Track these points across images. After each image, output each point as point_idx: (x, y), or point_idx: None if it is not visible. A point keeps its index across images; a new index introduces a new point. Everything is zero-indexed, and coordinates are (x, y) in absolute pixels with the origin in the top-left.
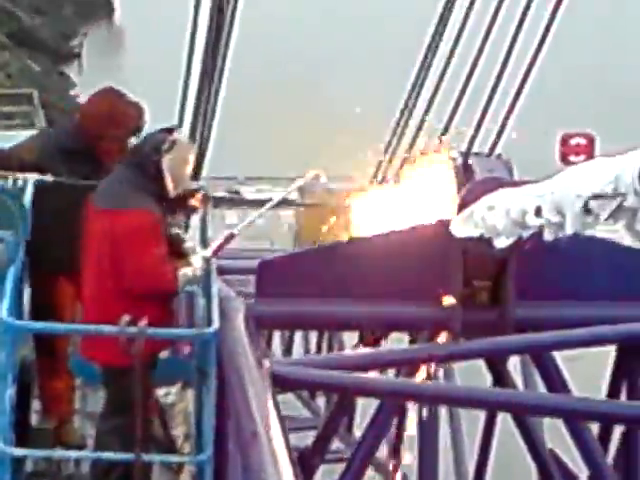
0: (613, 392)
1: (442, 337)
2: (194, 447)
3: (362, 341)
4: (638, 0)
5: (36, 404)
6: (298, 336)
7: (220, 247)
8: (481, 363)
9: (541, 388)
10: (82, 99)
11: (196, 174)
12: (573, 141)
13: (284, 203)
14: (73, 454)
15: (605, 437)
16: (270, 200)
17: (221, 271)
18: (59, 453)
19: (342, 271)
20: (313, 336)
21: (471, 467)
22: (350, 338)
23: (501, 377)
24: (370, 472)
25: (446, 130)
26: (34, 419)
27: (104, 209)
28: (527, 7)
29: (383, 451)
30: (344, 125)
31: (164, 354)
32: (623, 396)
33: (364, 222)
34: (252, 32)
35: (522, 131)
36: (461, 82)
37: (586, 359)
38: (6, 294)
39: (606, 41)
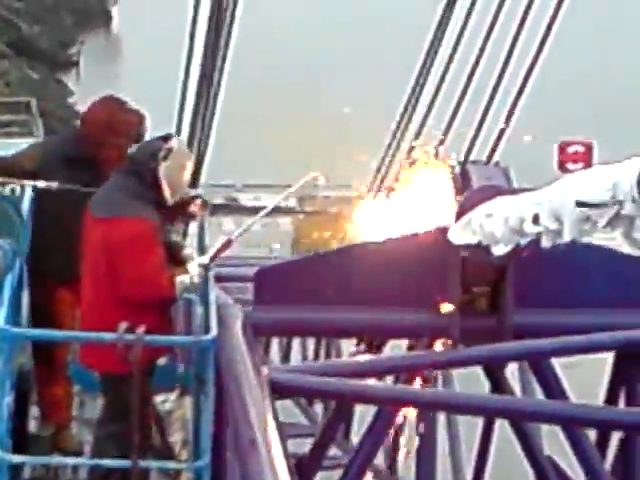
0: (611, 399)
1: (440, 344)
2: (192, 454)
3: (360, 348)
4: (637, 1)
5: (34, 411)
6: (296, 343)
7: (218, 253)
8: (479, 370)
9: (539, 395)
10: (80, 107)
11: (194, 181)
12: (571, 149)
13: (282, 211)
14: (71, 460)
15: (603, 444)
16: (269, 209)
17: (219, 278)
18: (57, 459)
19: (340, 278)
20: (311, 343)
21: (469, 474)
22: (348, 345)
23: (499, 384)
24: (368, 479)
25: (445, 135)
26: (32, 426)
27: (100, 217)
28: (524, 17)
29: (380, 458)
30: (343, 130)
31: (162, 361)
32: (621, 403)
33: (362, 229)
34: (251, 37)
35: (520, 138)
36: (460, 88)
37: (584, 366)
38: (4, 302)
39: (605, 42)
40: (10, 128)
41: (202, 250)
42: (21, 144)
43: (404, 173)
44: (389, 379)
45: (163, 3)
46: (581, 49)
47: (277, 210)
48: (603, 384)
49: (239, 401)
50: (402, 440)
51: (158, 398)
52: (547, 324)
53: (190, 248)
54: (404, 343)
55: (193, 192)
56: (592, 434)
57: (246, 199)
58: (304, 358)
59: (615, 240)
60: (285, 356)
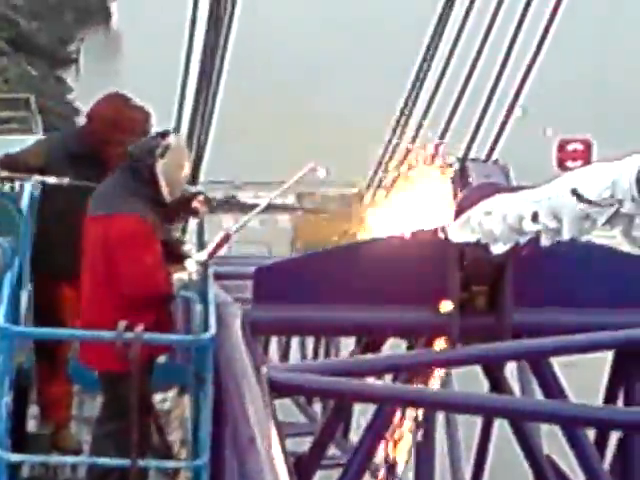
0: (610, 398)
1: (440, 343)
2: (191, 453)
3: (359, 347)
4: (636, 1)
5: (34, 409)
6: (295, 342)
7: (216, 248)
8: (478, 369)
9: (538, 394)
10: (79, 104)
11: (193, 178)
12: (570, 147)
13: (281, 208)
14: (69, 459)
15: (602, 443)
16: (268, 202)
17: (218, 277)
18: (55, 459)
19: (339, 277)
20: (310, 342)
21: (467, 473)
22: (347, 344)
23: (498, 383)
24: (367, 478)
25: (444, 133)
26: (32, 424)
27: (98, 215)
28: (524, 14)
29: (379, 457)
30: (343, 128)
31: (161, 359)
32: (620, 402)
33: (362, 227)
34: (251, 36)
35: (519, 136)
36: (459, 86)
37: (583, 365)
38: (3, 299)
39: (604, 42)
40: (9, 125)
41: (201, 247)
42: (20, 141)
43: (403, 171)
44: (388, 378)
45: (163, 0)
46: (580, 48)
47: (276, 207)
48: (602, 383)
49: (238, 400)
50: (401, 439)
51: (157, 397)
52: (546, 323)
53: (189, 245)
54: (403, 342)
55: (195, 189)
56: (591, 433)
57: (245, 197)
58: (303, 357)
59: (614, 238)
60: (284, 355)
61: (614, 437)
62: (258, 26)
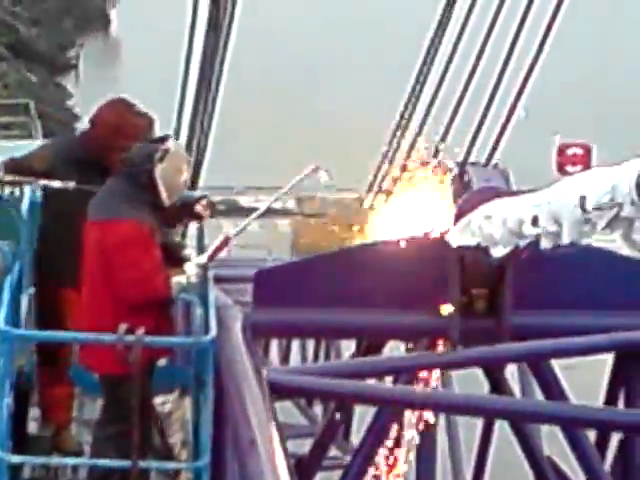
0: (611, 400)
1: (440, 345)
2: (191, 454)
3: (360, 349)
4: (637, 2)
5: (35, 412)
6: (295, 344)
7: (216, 251)
8: (479, 371)
9: (539, 396)
10: (78, 110)
11: (193, 183)
12: (570, 151)
13: (281, 212)
14: (70, 461)
15: (602, 444)
16: (268, 207)
17: (219, 280)
18: (56, 460)
19: (340, 280)
20: (310, 344)
21: (468, 474)
22: (347, 346)
23: (499, 385)
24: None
25: (445, 135)
26: (33, 426)
27: (96, 220)
28: (524, 18)
29: (380, 459)
30: (344, 129)
31: (162, 362)
32: (620, 404)
33: (362, 231)
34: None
35: (519, 140)
36: (459, 90)
37: (583, 367)
38: (3, 303)
39: (604, 44)
40: (9, 130)
41: (201, 251)
42: (19, 146)
43: (403, 176)
44: (388, 380)
45: (162, 6)
46: (580, 51)
47: (275, 212)
48: (602, 385)
49: (238, 402)
50: (402, 441)
51: (158, 399)
52: (546, 326)
53: (189, 249)
54: (403, 344)
55: (199, 193)
56: (592, 435)
57: (246, 202)
58: (303, 359)
59: (614, 242)
60: (284, 357)
61: (615, 438)
62: (258, 26)
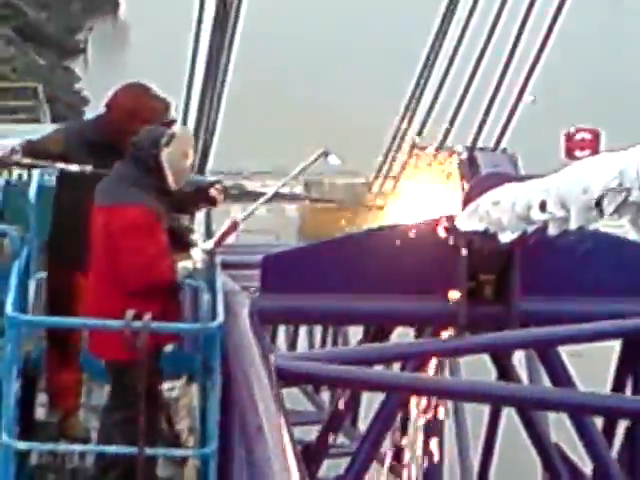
0: (618, 387)
1: (448, 331)
2: (198, 441)
3: (367, 336)
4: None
5: (42, 398)
6: (303, 330)
7: (224, 236)
8: (486, 357)
9: (546, 383)
10: (87, 93)
11: (201, 168)
12: (578, 136)
13: (288, 198)
14: (77, 447)
15: (610, 431)
16: (276, 192)
17: (226, 266)
18: (63, 447)
19: (347, 265)
20: (318, 330)
21: (476, 461)
22: (355, 332)
23: (506, 371)
24: (374, 466)
25: (453, 120)
26: (40, 412)
27: (102, 205)
28: (532, 3)
29: (387, 445)
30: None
31: (169, 348)
32: (628, 391)
33: (369, 216)
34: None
35: (527, 126)
36: (465, 78)
37: (591, 354)
38: (11, 288)
39: (614, 29)
40: (17, 114)
41: (209, 236)
42: (28, 130)
43: (411, 161)
44: (396, 366)
45: None
46: (588, 38)
47: (283, 197)
48: (610, 372)
49: (246, 388)
50: (409, 428)
51: (165, 385)
52: (553, 312)
53: (197, 234)
54: (411, 330)
55: (213, 178)
56: (599, 422)
57: (253, 187)
58: (311, 346)
59: (623, 227)
60: (292, 344)
61: (622, 425)
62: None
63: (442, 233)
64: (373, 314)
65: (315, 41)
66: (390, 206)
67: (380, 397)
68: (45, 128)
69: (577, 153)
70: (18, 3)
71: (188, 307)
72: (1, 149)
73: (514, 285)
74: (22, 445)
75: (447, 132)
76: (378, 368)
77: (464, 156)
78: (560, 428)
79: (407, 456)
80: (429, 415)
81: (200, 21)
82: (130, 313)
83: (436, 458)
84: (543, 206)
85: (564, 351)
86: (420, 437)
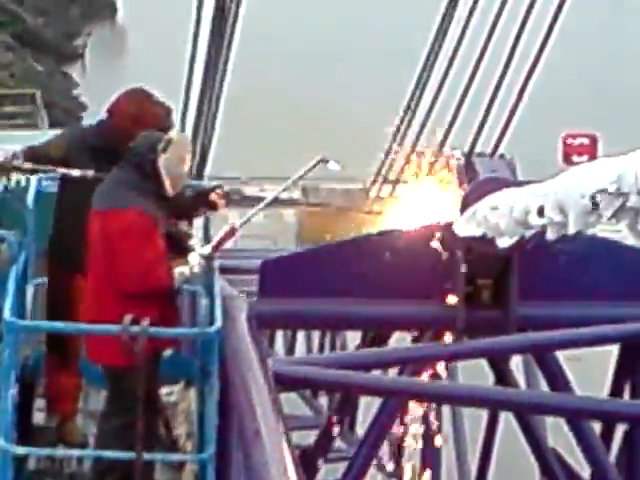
0: (616, 391)
1: (445, 336)
2: (196, 446)
3: (365, 340)
4: None
5: (40, 403)
6: (301, 335)
7: (221, 241)
8: (484, 362)
9: (544, 387)
10: (85, 99)
11: (199, 173)
12: (576, 141)
13: (286, 203)
14: (75, 452)
15: (607, 436)
16: (275, 197)
17: (224, 270)
18: (61, 451)
19: (345, 270)
20: (316, 335)
21: (473, 466)
22: (353, 337)
23: (503, 376)
24: (372, 471)
25: (451, 126)
26: (38, 417)
27: (99, 210)
28: (529, 9)
29: (385, 450)
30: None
31: (167, 353)
32: (626, 395)
33: (367, 222)
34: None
35: (525, 131)
36: (464, 82)
37: (589, 358)
38: (9, 293)
39: (611, 34)
40: (15, 120)
41: (207, 241)
42: (26, 136)
43: (410, 166)
44: (394, 371)
45: None
46: (587, 40)
47: (281, 202)
48: (608, 376)
49: (244, 393)
50: (407, 432)
51: (163, 390)
52: (551, 316)
53: (195, 239)
54: (409, 335)
55: (214, 183)
56: (597, 426)
57: (251, 192)
58: (309, 350)
59: (620, 232)
60: (290, 348)
61: (620, 430)
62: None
63: (440, 238)
64: (371, 319)
65: (315, 41)
66: (388, 211)
67: (378, 402)
68: (43, 134)
69: (575, 158)
70: (16, 9)
71: (186, 312)
72: (2, 154)
73: (512, 290)
74: (20, 450)
75: (446, 135)
76: (376, 373)
77: (462, 161)
78: (558, 433)
79: (404, 460)
80: (426, 420)
81: (198, 22)
82: (128, 318)
83: (434, 463)
84: (541, 211)
85: (562, 355)
86: (418, 441)
